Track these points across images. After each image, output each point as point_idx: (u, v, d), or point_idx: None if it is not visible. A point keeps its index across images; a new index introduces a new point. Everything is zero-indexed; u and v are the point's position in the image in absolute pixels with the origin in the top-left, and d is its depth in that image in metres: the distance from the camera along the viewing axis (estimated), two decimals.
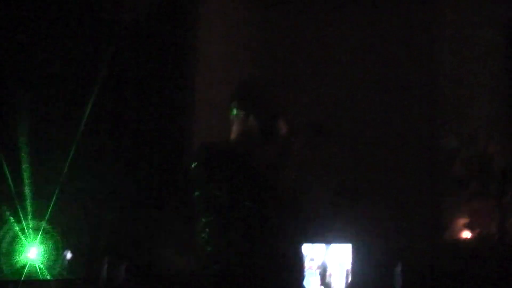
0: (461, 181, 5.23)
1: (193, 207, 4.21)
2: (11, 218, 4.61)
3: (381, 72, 5.56)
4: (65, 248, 4.61)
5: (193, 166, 2.48)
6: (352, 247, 4.61)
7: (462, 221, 5.18)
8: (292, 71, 5.49)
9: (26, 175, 4.64)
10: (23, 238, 4.53)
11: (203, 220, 2.50)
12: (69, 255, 4.60)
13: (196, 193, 2.51)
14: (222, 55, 5.53)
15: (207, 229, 2.48)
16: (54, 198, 4.74)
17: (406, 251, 4.82)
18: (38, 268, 4.42)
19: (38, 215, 4.64)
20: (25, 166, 4.67)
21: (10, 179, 4.70)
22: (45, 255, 4.51)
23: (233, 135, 2.61)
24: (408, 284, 4.54)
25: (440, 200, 5.35)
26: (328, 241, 4.58)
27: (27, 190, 4.63)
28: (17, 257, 4.44)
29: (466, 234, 5.14)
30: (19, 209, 4.60)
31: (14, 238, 4.54)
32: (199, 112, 5.48)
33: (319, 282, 4.53)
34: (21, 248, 4.48)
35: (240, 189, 2.41)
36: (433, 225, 5.28)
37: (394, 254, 4.66)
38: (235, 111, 2.60)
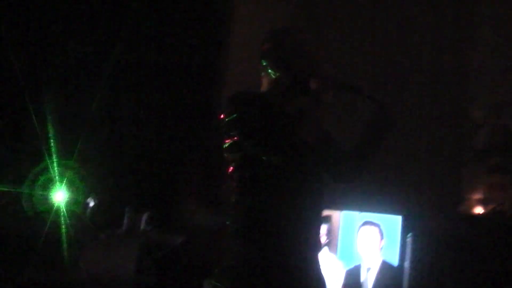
0: (482, 153, 5.24)
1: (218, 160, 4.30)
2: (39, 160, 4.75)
3: (413, 41, 5.51)
4: (89, 194, 4.72)
5: (225, 118, 2.52)
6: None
7: (479, 194, 5.21)
8: (326, 28, 5.47)
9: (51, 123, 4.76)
10: (50, 181, 4.65)
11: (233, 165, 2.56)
12: (92, 202, 4.70)
13: (225, 145, 2.56)
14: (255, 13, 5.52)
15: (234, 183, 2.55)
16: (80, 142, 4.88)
17: (419, 220, 4.86)
18: (63, 212, 4.54)
19: (64, 158, 4.76)
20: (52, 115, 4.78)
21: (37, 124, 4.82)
22: (70, 200, 4.63)
23: (264, 88, 2.64)
24: (419, 254, 4.60)
25: (459, 171, 5.37)
26: (339, 208, 4.65)
27: (54, 136, 4.75)
28: (44, 200, 4.56)
29: (482, 207, 5.17)
30: (46, 152, 4.72)
31: (41, 181, 4.67)
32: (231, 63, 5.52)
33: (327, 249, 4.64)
34: (48, 191, 4.59)
35: (269, 140, 2.46)
36: (450, 196, 5.31)
37: (407, 224, 4.70)
38: (265, 67, 2.62)
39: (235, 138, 2.51)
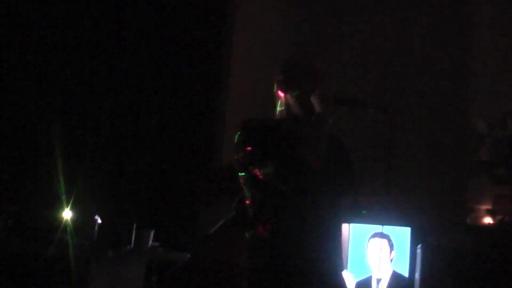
0: (488, 164, 5.24)
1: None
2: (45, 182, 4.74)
3: (417, 54, 5.54)
4: (96, 213, 4.70)
5: (237, 145, 2.58)
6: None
7: (486, 205, 5.21)
8: (331, 48, 5.50)
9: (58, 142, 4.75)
10: (57, 202, 4.63)
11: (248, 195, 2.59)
12: (99, 220, 4.67)
13: (241, 174, 2.61)
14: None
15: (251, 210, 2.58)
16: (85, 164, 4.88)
17: (428, 232, 4.85)
18: (70, 232, 4.50)
19: (71, 179, 4.74)
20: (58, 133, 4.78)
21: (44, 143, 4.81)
22: (77, 219, 4.59)
23: (276, 113, 2.72)
24: (428, 266, 4.58)
25: (465, 183, 5.37)
26: (348, 221, 4.64)
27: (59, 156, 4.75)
28: (51, 219, 4.53)
29: (490, 218, 5.17)
30: (53, 174, 4.72)
31: (48, 201, 4.65)
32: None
33: None
34: (55, 211, 4.57)
35: (281, 166, 2.48)
36: (457, 208, 5.31)
37: (416, 235, 4.69)
38: (275, 90, 2.71)
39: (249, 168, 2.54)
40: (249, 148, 2.54)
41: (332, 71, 2.72)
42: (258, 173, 2.53)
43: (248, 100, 5.13)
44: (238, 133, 2.61)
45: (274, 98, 2.75)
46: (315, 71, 2.65)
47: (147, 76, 5.21)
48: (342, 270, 2.64)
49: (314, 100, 2.56)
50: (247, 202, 2.62)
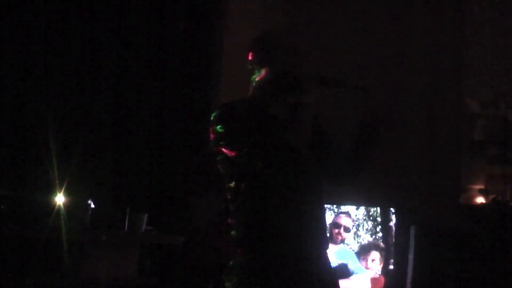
0: (481, 144, 5.25)
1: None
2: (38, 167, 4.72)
3: (408, 35, 5.52)
4: (89, 196, 4.69)
5: (216, 130, 2.48)
6: (366, 210, 4.69)
7: (479, 184, 5.22)
8: (312, 27, 5.46)
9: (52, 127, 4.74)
10: (50, 184, 4.61)
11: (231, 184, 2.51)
12: (92, 204, 4.67)
13: (219, 158, 2.53)
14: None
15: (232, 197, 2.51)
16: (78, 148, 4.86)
17: (421, 213, 4.86)
18: (63, 216, 4.49)
19: (64, 163, 4.73)
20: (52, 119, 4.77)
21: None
22: (71, 203, 4.58)
23: (250, 91, 2.60)
24: (421, 246, 4.61)
25: (459, 162, 5.38)
26: (336, 203, 4.65)
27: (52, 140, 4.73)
28: (44, 204, 4.51)
29: (483, 198, 5.18)
30: (46, 158, 4.70)
31: (41, 186, 4.63)
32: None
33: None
34: (48, 195, 4.55)
35: (259, 150, 2.39)
36: (450, 188, 5.31)
37: (409, 216, 4.70)
38: (250, 65, 2.58)
39: (226, 152, 2.46)
40: (223, 131, 2.45)
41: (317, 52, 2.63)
42: (232, 155, 2.44)
43: (240, 93, 5.11)
44: (214, 114, 2.50)
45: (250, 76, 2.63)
46: (292, 49, 2.52)
47: (141, 70, 5.20)
48: (327, 249, 2.59)
49: (292, 79, 2.45)
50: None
